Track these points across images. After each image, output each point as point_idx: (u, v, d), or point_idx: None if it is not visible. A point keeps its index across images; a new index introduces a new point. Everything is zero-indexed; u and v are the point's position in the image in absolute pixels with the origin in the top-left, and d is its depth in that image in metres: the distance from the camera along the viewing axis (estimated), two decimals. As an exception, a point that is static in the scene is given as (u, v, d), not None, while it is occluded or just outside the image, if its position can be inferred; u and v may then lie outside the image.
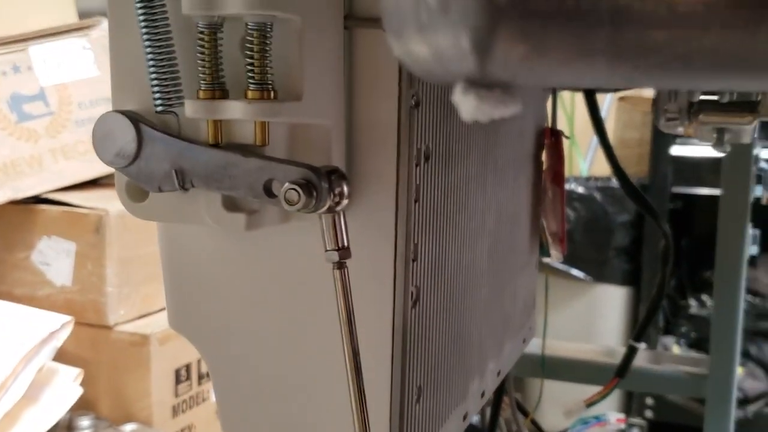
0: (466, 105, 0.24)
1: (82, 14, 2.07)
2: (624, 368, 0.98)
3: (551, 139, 0.82)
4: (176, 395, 1.85)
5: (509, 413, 1.02)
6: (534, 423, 1.02)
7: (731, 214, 1.13)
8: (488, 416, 0.94)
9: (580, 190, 2.45)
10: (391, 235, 0.48)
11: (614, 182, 2.48)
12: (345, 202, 0.44)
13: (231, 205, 0.45)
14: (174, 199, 0.46)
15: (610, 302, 2.51)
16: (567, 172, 2.84)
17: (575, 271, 2.49)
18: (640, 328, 0.97)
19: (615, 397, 2.54)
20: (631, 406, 2.53)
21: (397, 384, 0.50)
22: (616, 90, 1.17)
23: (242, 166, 0.42)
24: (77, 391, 1.69)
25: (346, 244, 0.44)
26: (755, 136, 0.80)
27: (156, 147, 0.43)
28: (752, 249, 1.11)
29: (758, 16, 0.24)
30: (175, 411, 1.86)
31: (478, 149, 0.61)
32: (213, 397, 1.99)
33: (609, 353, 1.08)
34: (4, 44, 1.85)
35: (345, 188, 0.44)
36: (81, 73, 1.92)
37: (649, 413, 2.47)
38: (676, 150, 2.36)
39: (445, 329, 0.56)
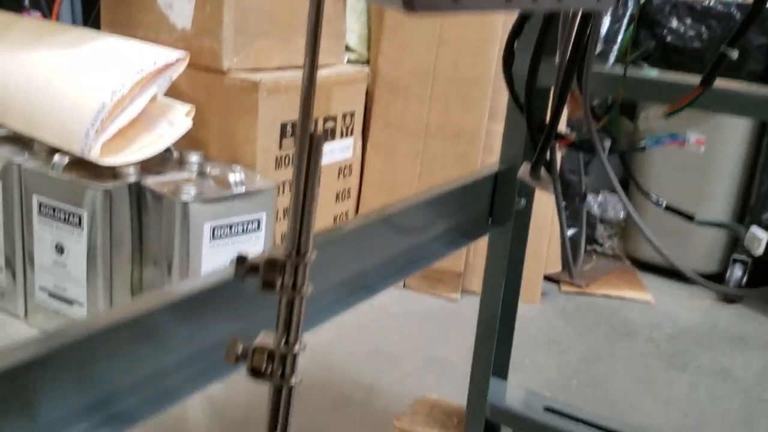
0: None
1: None
2: (711, 76, 0.94)
3: None
4: (280, 148, 1.93)
5: (582, 114, 1.01)
6: (605, 129, 1.00)
7: None
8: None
9: (719, 7, 2.30)
10: None
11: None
12: None
13: None
14: None
15: (732, 130, 2.40)
16: None
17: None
18: (736, 32, 0.92)
19: (720, 230, 2.46)
20: (737, 242, 2.45)
21: None
22: None
23: None
24: (187, 124, 1.79)
25: None
26: None
27: None
28: None
29: None
30: (278, 163, 1.94)
31: None
32: (315, 161, 2.06)
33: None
34: None
35: None
36: None
37: (756, 250, 2.39)
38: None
39: None
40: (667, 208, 1.03)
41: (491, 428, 1.27)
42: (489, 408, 1.26)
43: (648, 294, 2.36)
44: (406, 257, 0.99)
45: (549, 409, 1.25)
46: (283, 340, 0.57)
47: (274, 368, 0.58)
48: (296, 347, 0.57)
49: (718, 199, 2.44)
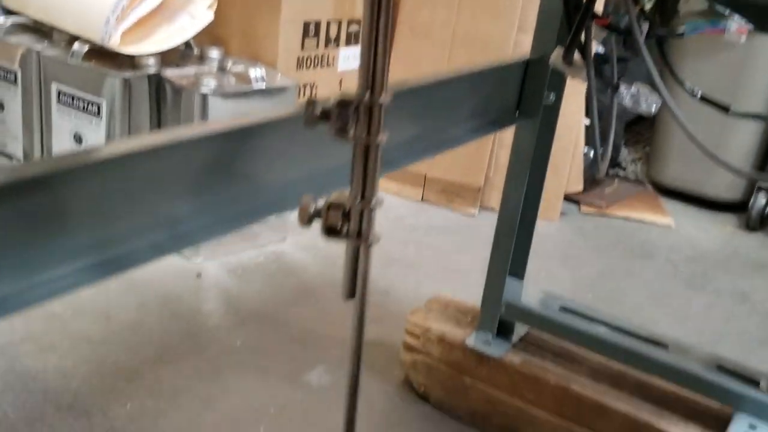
0: None
1: None
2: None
3: None
4: (302, 48, 1.89)
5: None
6: (642, 11, 0.96)
7: None
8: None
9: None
10: None
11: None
12: None
13: None
14: None
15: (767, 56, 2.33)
16: None
17: (737, 18, 2.30)
18: None
19: (747, 157, 2.42)
20: (763, 170, 2.40)
21: None
22: None
23: None
24: (209, 17, 1.75)
25: None
26: None
27: None
28: None
29: None
30: (300, 63, 1.91)
31: None
32: (339, 65, 2.03)
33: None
34: None
35: None
36: None
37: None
38: None
39: None
40: (702, 98, 1.00)
41: (505, 326, 1.26)
42: (504, 305, 1.25)
43: (669, 218, 2.33)
44: (430, 137, 0.97)
45: (565, 309, 1.24)
46: (359, 195, 0.53)
47: (351, 226, 0.54)
48: (373, 201, 0.54)
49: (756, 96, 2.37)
